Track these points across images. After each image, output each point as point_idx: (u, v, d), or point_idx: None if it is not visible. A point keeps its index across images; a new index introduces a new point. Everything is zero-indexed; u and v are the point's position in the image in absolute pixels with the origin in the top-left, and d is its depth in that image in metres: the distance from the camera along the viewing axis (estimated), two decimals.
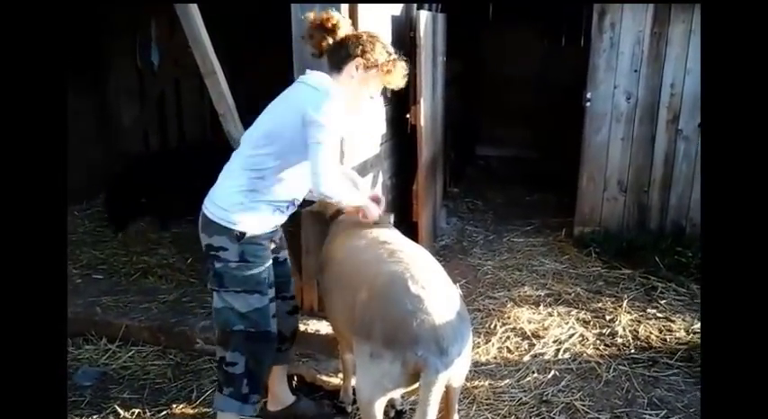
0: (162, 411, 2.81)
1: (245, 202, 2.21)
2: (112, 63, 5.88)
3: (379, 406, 2.05)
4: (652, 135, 4.60)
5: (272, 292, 2.34)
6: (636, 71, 4.53)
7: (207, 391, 2.93)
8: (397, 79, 2.34)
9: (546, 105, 6.89)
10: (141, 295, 3.74)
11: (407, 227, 3.82)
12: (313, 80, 2.24)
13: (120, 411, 2.79)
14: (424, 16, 3.86)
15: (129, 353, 3.23)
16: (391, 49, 2.34)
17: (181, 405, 2.85)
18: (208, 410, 2.81)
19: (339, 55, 2.27)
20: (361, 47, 2.24)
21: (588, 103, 4.64)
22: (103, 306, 3.57)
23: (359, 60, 2.25)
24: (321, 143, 2.11)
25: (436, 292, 2.00)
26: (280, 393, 2.68)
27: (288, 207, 2.35)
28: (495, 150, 7.48)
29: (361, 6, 2.99)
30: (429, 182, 4.40)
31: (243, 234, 2.22)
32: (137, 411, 2.80)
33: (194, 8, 2.94)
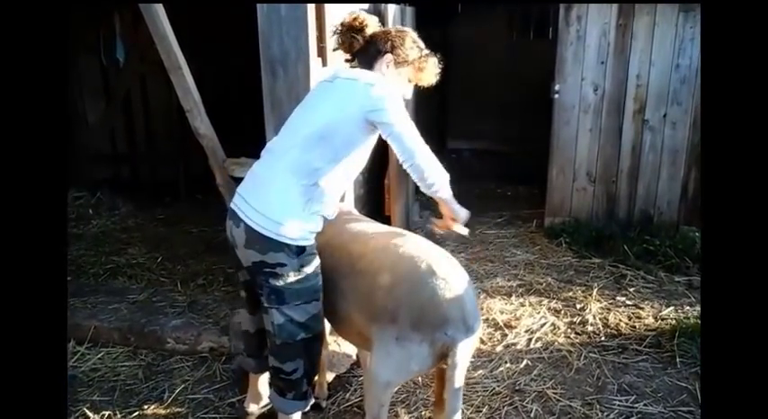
0: (133, 412, 2.76)
1: (303, 214, 2.05)
2: (75, 59, 5.76)
3: (392, 391, 2.13)
4: (619, 126, 4.67)
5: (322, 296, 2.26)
6: (602, 63, 4.59)
7: (178, 390, 2.90)
8: (430, 76, 2.27)
9: (515, 98, 6.94)
10: (110, 295, 3.67)
11: (381, 221, 3.81)
12: (354, 74, 2.11)
13: (90, 414, 2.73)
14: (392, 10, 3.86)
15: (99, 355, 3.17)
16: (422, 45, 2.24)
17: (153, 406, 2.81)
18: (180, 410, 2.78)
19: (368, 53, 2.19)
20: (390, 42, 2.17)
21: (556, 96, 4.70)
22: (71, 307, 3.50)
23: (389, 56, 2.17)
24: (395, 124, 2.00)
25: (456, 273, 2.04)
26: (263, 392, 2.65)
27: (329, 217, 2.24)
28: (466, 143, 7.53)
29: None
30: (401, 177, 4.40)
31: (303, 248, 2.09)
32: (107, 413, 2.75)
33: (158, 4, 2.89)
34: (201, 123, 3.08)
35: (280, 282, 2.10)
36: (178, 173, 5.80)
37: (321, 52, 2.95)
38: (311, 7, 2.82)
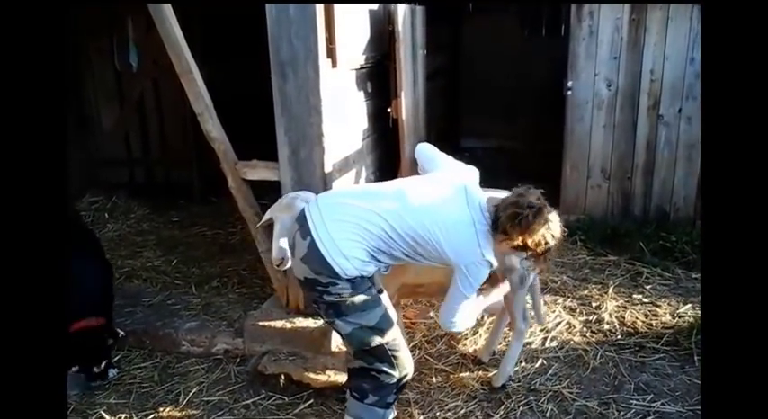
0: (149, 415, 2.78)
1: (366, 260, 2.17)
2: (89, 64, 5.81)
3: None
4: (633, 121, 4.62)
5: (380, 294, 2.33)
6: (615, 58, 4.54)
7: (193, 392, 2.91)
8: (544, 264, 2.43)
9: (528, 95, 6.90)
10: (126, 299, 3.69)
11: None
12: (482, 229, 2.18)
13: (107, 417, 2.76)
14: (402, 10, 3.85)
15: (115, 358, 3.19)
16: (551, 238, 2.16)
17: (168, 408, 2.83)
18: (195, 412, 2.80)
19: (501, 224, 2.16)
20: (521, 239, 2.15)
21: (569, 92, 4.65)
22: None
23: (508, 243, 2.20)
24: (467, 298, 2.24)
25: None
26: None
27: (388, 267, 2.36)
28: (479, 142, 7.49)
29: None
30: (413, 174, 4.39)
31: (354, 278, 2.17)
32: (123, 416, 2.77)
33: (167, 6, 2.90)
34: (213, 126, 3.10)
35: (333, 298, 2.16)
36: (192, 175, 5.83)
37: (330, 53, 2.95)
38: (320, 9, 2.82)
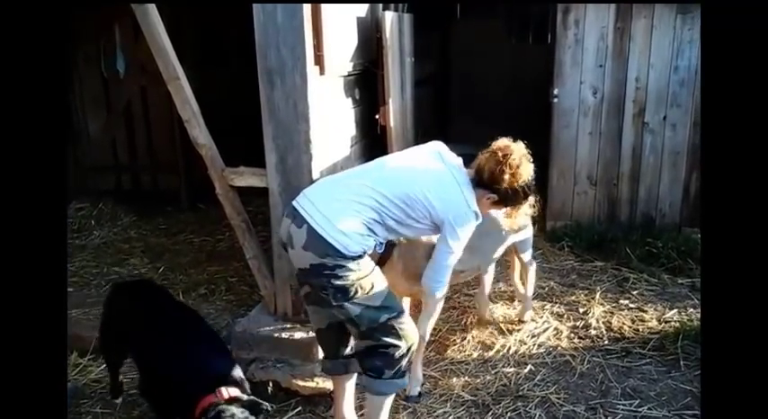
0: None
1: (365, 234, 2.23)
2: (76, 70, 5.78)
3: None
4: (619, 129, 4.66)
5: None
6: (601, 66, 4.59)
7: None
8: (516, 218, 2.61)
9: (515, 102, 6.95)
10: None
11: None
12: (462, 181, 2.36)
13: None
14: (389, 17, 3.87)
15: (101, 367, 3.16)
16: (529, 192, 2.43)
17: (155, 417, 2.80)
18: None
19: (483, 176, 2.39)
20: (506, 194, 2.38)
21: (555, 99, 4.70)
22: (73, 319, 3.50)
23: (493, 198, 2.40)
24: (453, 253, 2.39)
25: None
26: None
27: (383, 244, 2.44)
28: (466, 148, 7.51)
29: (324, 6, 2.97)
30: None
31: (360, 255, 2.23)
32: None
33: (154, 11, 2.90)
34: (200, 133, 3.09)
35: (341, 281, 2.19)
36: (179, 182, 5.80)
37: (318, 60, 2.96)
38: (308, 16, 2.83)
